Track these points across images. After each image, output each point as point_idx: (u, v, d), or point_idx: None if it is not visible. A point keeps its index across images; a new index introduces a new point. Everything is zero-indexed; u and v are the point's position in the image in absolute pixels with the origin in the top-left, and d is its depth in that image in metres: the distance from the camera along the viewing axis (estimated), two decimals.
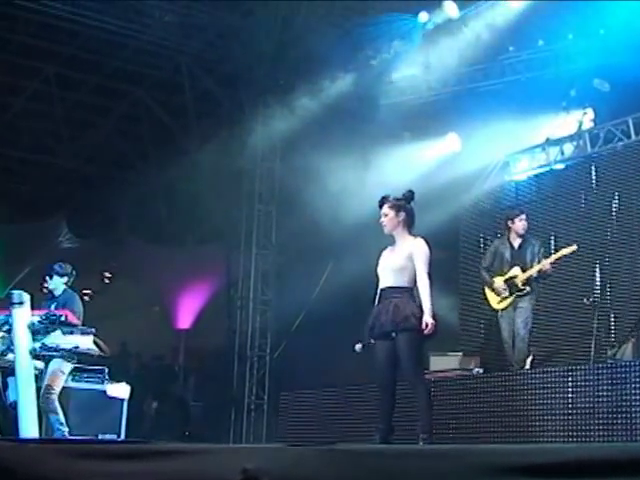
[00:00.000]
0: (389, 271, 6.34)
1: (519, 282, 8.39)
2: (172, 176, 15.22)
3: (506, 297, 8.47)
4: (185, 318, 16.80)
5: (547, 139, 10.96)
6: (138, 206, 16.16)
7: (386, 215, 6.37)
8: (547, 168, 10.81)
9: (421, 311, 6.16)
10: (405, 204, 6.40)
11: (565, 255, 8.40)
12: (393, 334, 6.20)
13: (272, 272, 13.44)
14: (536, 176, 10.84)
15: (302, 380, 11.61)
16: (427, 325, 6.07)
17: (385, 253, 6.47)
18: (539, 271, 8.36)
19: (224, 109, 14.02)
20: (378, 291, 6.41)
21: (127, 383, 9.14)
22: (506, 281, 8.49)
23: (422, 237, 6.39)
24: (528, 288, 8.36)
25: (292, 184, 12.72)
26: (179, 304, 16.77)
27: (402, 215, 6.35)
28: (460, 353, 9.64)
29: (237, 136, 12.95)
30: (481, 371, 8.70)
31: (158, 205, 16.42)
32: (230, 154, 12.58)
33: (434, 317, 6.20)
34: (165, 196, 16.24)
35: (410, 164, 11.73)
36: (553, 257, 8.38)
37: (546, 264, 8.33)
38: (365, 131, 11.85)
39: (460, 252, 11.24)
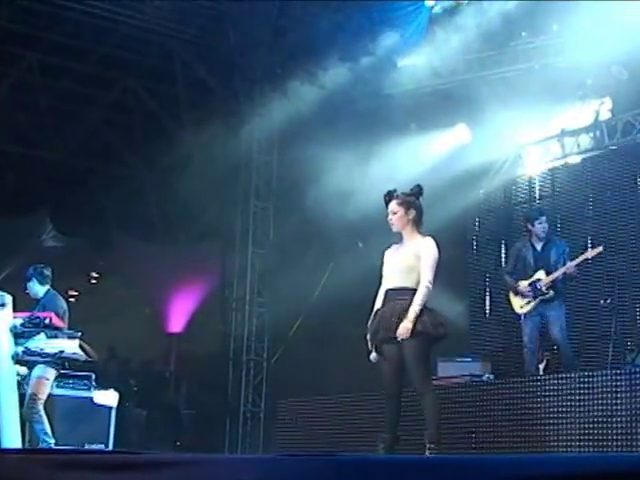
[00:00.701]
0: (396, 272, 6.32)
1: (543, 286, 8.40)
2: (163, 170, 15.19)
3: (530, 301, 8.48)
4: (177, 321, 16.79)
5: (562, 130, 10.96)
6: (127, 202, 16.13)
7: (395, 213, 6.34)
8: (562, 161, 10.82)
9: (430, 314, 6.16)
10: (415, 200, 6.38)
11: (591, 257, 8.39)
12: (399, 338, 6.20)
13: (269, 272, 13.44)
14: (551, 170, 10.86)
15: (301, 387, 11.60)
16: (402, 330, 6.06)
17: (390, 252, 6.46)
18: (564, 274, 8.37)
19: (218, 98, 14.00)
20: (382, 292, 6.41)
21: (115, 390, 9.15)
22: (530, 285, 8.51)
23: (432, 237, 6.37)
24: (552, 292, 8.36)
25: (291, 178, 12.72)
26: (170, 306, 16.75)
27: (412, 213, 6.33)
28: (469, 358, 9.65)
29: (232, 127, 12.95)
30: (492, 377, 8.71)
31: (148, 201, 16.39)
32: (225, 146, 12.57)
33: (441, 321, 6.19)
34: (156, 191, 16.21)
35: (416, 157, 11.72)
36: (578, 259, 8.38)
37: (571, 267, 8.33)
38: (368, 122, 11.84)
39: (469, 250, 11.24)
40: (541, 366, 8.55)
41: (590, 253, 8.37)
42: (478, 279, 11.03)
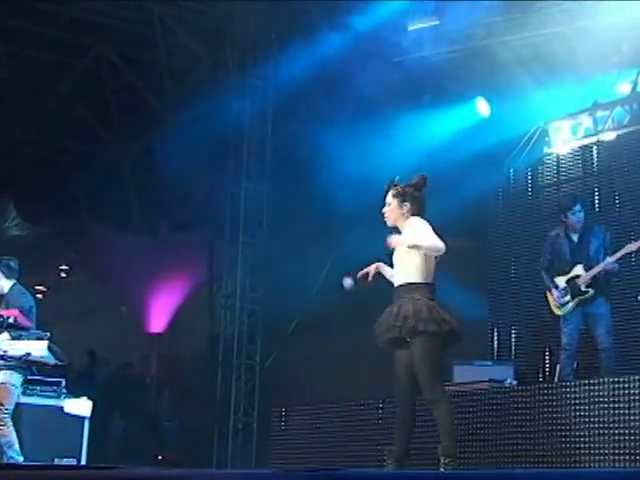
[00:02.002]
0: (396, 267, 6.52)
1: (582, 283, 8.38)
2: (142, 149, 15.19)
3: (568, 301, 8.46)
4: (158, 320, 16.82)
5: (595, 103, 10.94)
6: (101, 185, 16.14)
7: (389, 205, 6.53)
8: (595, 138, 10.80)
9: (431, 310, 6.18)
10: (413, 192, 6.51)
11: (633, 252, 8.36)
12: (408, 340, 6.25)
13: (263, 264, 13.44)
14: (581, 148, 10.84)
15: (298, 393, 11.63)
16: (392, 240, 6.28)
17: None
18: (604, 270, 8.33)
19: (204, 68, 13.99)
20: None
21: (88, 398, 9.17)
22: (568, 282, 8.49)
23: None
24: (591, 291, 8.34)
25: (287, 157, 12.70)
26: (151, 303, 16.78)
27: (406, 206, 6.48)
28: (490, 362, 9.67)
29: (221, 101, 12.92)
30: (515, 382, 8.72)
31: (125, 184, 16.40)
32: (212, 122, 12.56)
33: (444, 317, 6.19)
34: (134, 173, 16.21)
35: (429, 133, 11.72)
36: (618, 254, 8.33)
37: (609, 263, 8.30)
38: (374, 94, 11.82)
39: (489, 241, 11.24)
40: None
41: (633, 246, 8.31)
42: (499, 273, 11.03)
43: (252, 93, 13.25)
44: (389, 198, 6.52)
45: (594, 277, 8.36)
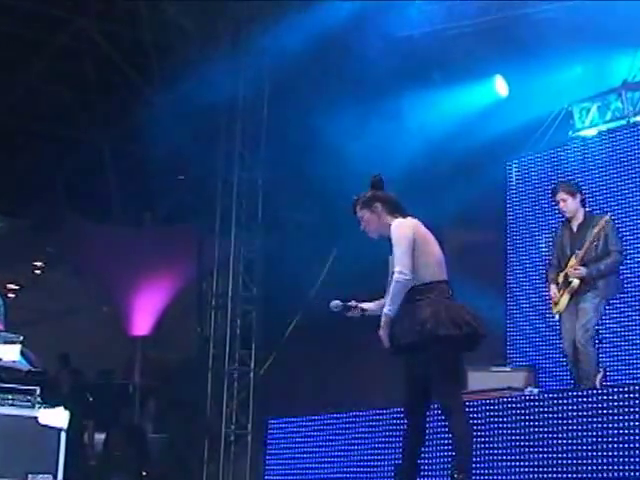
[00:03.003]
0: None
1: (570, 274, 8.41)
2: (125, 133, 15.12)
3: (562, 295, 8.49)
4: (142, 322, 16.79)
5: (624, 82, 10.92)
6: (80, 173, 16.10)
7: (362, 218, 6.54)
8: (624, 121, 10.78)
9: (438, 309, 6.11)
10: (374, 193, 6.54)
11: (602, 229, 8.36)
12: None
13: (258, 260, 13.42)
14: (609, 131, 10.81)
15: (296, 403, 11.60)
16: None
17: None
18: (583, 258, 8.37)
19: (193, 44, 13.94)
20: None
21: (65, 408, 9.13)
22: (565, 276, 8.51)
23: (404, 216, 6.42)
24: (576, 280, 8.35)
25: (284, 142, 12.67)
26: (135, 303, 16.75)
27: (377, 207, 6.48)
28: (508, 367, 9.63)
29: (211, 80, 12.88)
30: (536, 391, 8.71)
31: (106, 172, 16.36)
32: (202, 104, 12.53)
33: (453, 316, 6.13)
34: (116, 159, 16.17)
35: (441, 116, 11.70)
36: (591, 237, 8.35)
37: (586, 247, 8.33)
38: (381, 72, 11.80)
39: (507, 234, 11.20)
40: (598, 377, 8.51)
41: (602, 221, 8.34)
42: (519, 270, 10.99)
43: (246, 71, 13.23)
44: (359, 213, 6.54)
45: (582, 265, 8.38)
